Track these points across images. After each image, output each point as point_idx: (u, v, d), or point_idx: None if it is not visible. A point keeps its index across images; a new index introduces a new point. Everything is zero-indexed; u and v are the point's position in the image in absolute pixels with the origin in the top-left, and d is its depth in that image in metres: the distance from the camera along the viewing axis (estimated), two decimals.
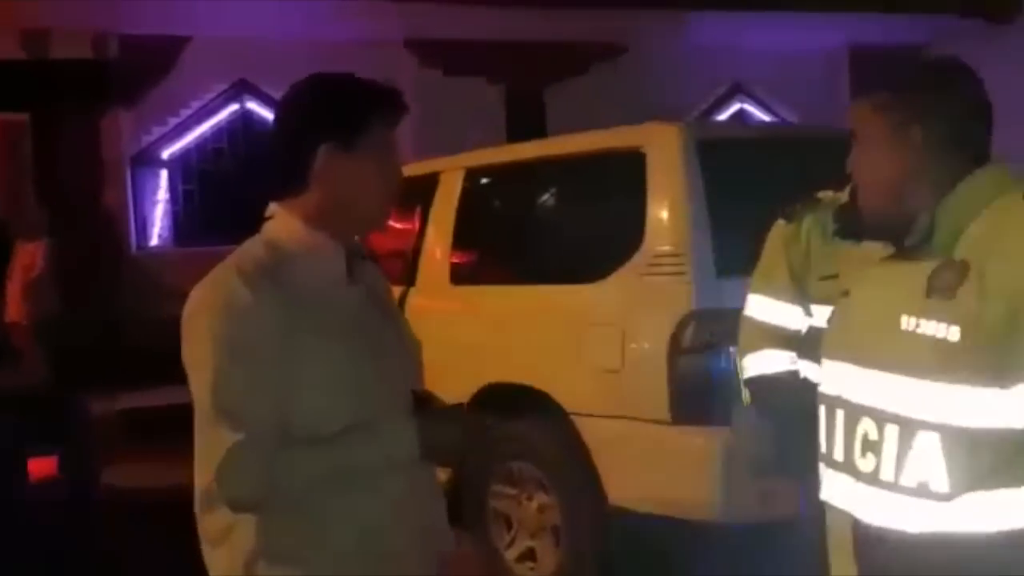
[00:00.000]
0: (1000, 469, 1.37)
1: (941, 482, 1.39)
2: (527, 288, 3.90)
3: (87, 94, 8.62)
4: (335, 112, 1.62)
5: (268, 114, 9.86)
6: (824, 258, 2.34)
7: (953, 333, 1.37)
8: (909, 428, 1.42)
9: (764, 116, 11.45)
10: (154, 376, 7.43)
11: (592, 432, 3.51)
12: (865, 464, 1.47)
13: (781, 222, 2.29)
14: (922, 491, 1.41)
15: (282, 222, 1.64)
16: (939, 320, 1.38)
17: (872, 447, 1.46)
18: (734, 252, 3.30)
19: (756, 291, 2.57)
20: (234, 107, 9.76)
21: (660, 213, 3.39)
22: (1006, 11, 9.82)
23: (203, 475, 1.56)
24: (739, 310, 3.24)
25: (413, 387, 1.67)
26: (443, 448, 1.61)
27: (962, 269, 1.39)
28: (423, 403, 1.65)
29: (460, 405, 1.67)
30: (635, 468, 3.42)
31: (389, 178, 1.66)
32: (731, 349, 3.20)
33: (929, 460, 1.40)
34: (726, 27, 9.80)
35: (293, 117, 1.65)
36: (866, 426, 1.47)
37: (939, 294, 1.40)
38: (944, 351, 1.37)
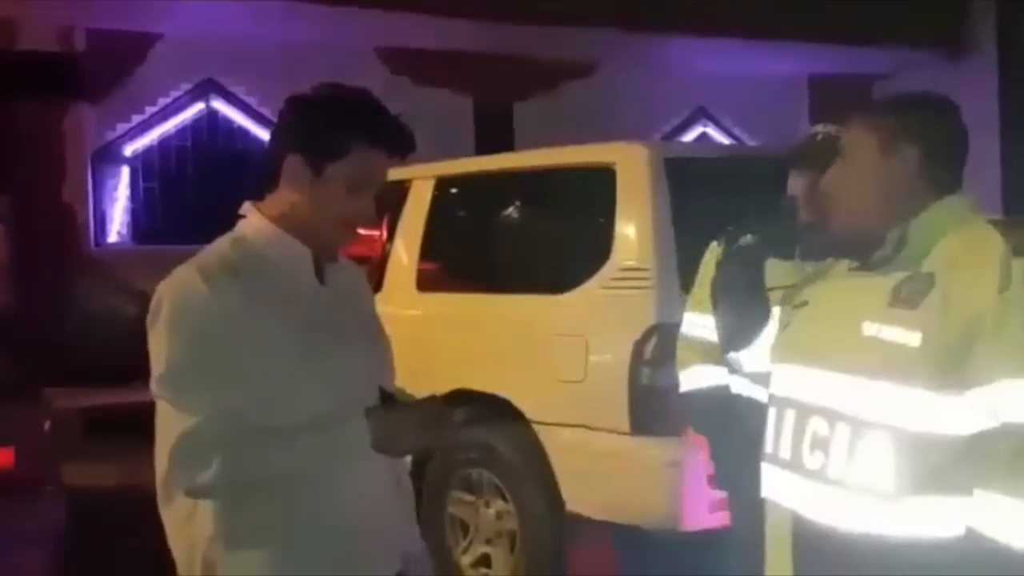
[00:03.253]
0: (942, 474, 1.45)
1: (887, 482, 1.46)
2: (493, 297, 3.96)
3: (51, 87, 8.52)
4: (312, 130, 1.59)
5: (234, 114, 9.83)
6: None
7: (914, 339, 1.45)
8: (861, 428, 1.49)
9: (725, 140, 11.68)
10: (111, 374, 7.39)
11: (553, 441, 3.57)
12: (812, 461, 1.54)
13: (714, 244, 2.41)
14: (867, 489, 1.48)
15: (252, 220, 1.66)
16: (901, 327, 1.47)
17: (821, 445, 1.53)
18: (697, 269, 3.40)
19: (689, 310, 2.73)
20: (200, 106, 9.71)
21: (627, 228, 3.48)
22: (962, 45, 10.14)
23: (161, 463, 1.58)
24: None
25: (382, 385, 1.67)
26: (395, 438, 1.60)
27: (927, 280, 1.49)
28: (390, 400, 1.66)
29: (432, 397, 1.67)
30: (594, 477, 3.49)
31: (352, 209, 1.61)
32: None
33: (878, 460, 1.47)
34: (690, 52, 9.99)
35: (284, 117, 1.65)
36: (816, 425, 1.54)
37: (903, 303, 1.49)
38: (903, 356, 1.46)
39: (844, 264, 1.66)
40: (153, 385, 1.56)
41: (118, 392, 7.05)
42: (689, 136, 11.52)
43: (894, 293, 1.51)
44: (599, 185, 3.59)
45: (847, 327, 1.54)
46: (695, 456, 3.24)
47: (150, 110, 9.43)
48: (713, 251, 2.33)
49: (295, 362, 1.56)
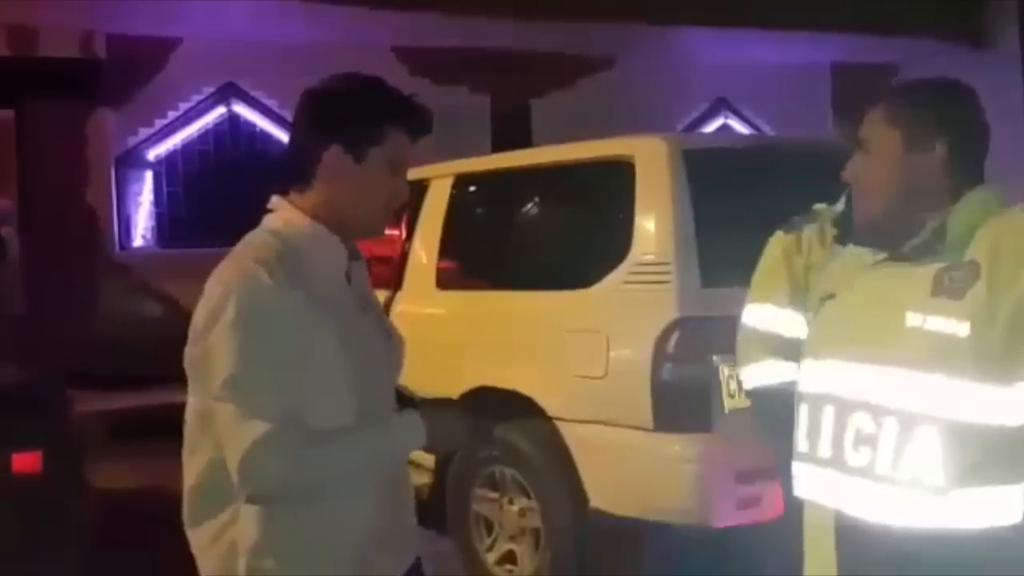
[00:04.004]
0: (991, 465, 1.43)
1: (936, 476, 1.44)
2: (513, 294, 3.94)
3: (74, 93, 8.59)
4: (352, 117, 1.61)
5: (255, 118, 9.87)
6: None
7: (963, 329, 1.43)
8: (909, 422, 1.47)
9: (746, 131, 11.58)
10: (136, 377, 7.45)
11: (575, 437, 3.55)
12: (857, 458, 1.51)
13: (780, 233, 2.31)
14: (916, 484, 1.46)
15: (287, 214, 1.62)
16: (948, 316, 1.45)
17: (867, 441, 1.50)
18: (719, 262, 3.37)
19: (755, 300, 2.55)
20: (221, 110, 9.75)
21: (647, 222, 3.45)
22: (985, 35, 9.99)
23: (192, 474, 1.56)
24: (723, 319, 3.29)
25: (395, 384, 1.70)
26: (445, 436, 1.64)
27: (973, 269, 1.47)
28: (403, 399, 1.68)
29: (449, 399, 1.73)
30: (617, 473, 3.46)
31: (392, 192, 1.65)
32: (714, 358, 3.27)
33: (926, 454, 1.45)
34: (710, 43, 9.91)
35: (313, 111, 1.64)
36: (860, 421, 1.51)
37: (948, 293, 1.47)
38: (952, 347, 1.44)
39: (866, 255, 1.63)
40: (218, 388, 1.48)
41: (143, 395, 7.12)
42: (710, 127, 11.42)
43: (936, 283, 1.49)
44: (618, 179, 3.56)
45: (888, 318, 1.52)
46: (719, 452, 3.21)
47: (172, 115, 9.49)
48: (778, 239, 2.23)
49: (339, 362, 1.55)
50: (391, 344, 1.74)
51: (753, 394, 2.43)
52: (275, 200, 1.66)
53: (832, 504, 1.57)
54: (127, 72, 8.89)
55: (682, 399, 3.28)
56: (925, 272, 1.51)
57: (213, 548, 1.58)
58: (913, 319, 1.48)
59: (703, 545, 3.36)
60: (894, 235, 1.57)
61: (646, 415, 3.30)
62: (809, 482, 1.62)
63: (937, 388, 1.44)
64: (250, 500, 1.53)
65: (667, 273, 3.36)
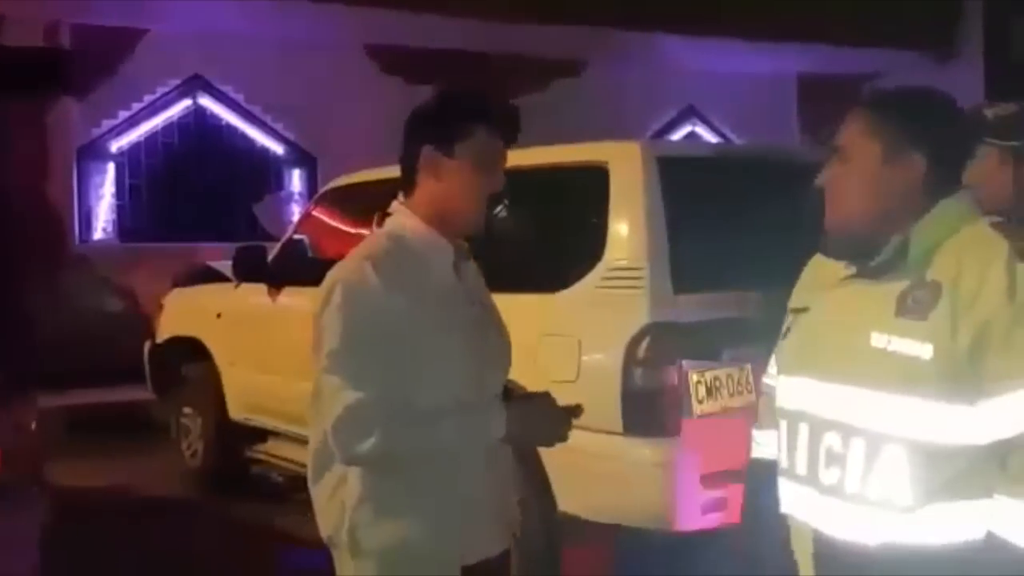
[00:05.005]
0: (959, 482, 1.43)
1: (905, 495, 1.44)
2: None
3: (36, 82, 8.44)
4: (438, 117, 1.81)
5: (222, 112, 9.77)
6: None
7: (926, 351, 1.42)
8: (876, 442, 1.46)
9: (714, 139, 11.69)
10: (96, 373, 7.32)
11: None
12: (828, 477, 1.51)
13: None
14: (886, 503, 1.45)
15: (402, 218, 1.82)
16: (912, 338, 1.43)
17: (837, 460, 1.49)
18: (690, 269, 3.40)
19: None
20: (187, 103, 9.64)
21: (620, 227, 3.46)
22: (951, 48, 10.18)
23: (316, 435, 1.75)
24: (693, 325, 3.32)
25: (502, 377, 1.86)
26: (529, 432, 1.78)
27: (934, 290, 1.45)
28: (509, 392, 1.85)
29: (547, 393, 1.81)
30: (586, 477, 3.47)
31: (484, 183, 1.80)
32: (683, 363, 3.30)
33: (894, 473, 1.44)
34: (681, 50, 10.00)
35: (410, 122, 1.84)
36: (831, 440, 1.50)
37: (911, 314, 1.45)
38: (915, 368, 1.43)
39: (838, 267, 1.60)
40: (324, 360, 1.70)
41: (103, 391, 7.00)
42: (679, 134, 11.52)
43: (900, 302, 1.47)
44: (592, 184, 3.57)
45: (854, 338, 1.50)
46: (688, 457, 3.23)
47: (137, 106, 9.36)
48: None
49: (445, 352, 1.73)
50: (499, 339, 1.90)
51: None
52: (394, 204, 1.85)
53: (809, 521, 1.56)
54: (92, 62, 8.75)
55: (652, 404, 3.30)
56: (890, 290, 1.49)
57: (329, 505, 1.78)
58: (878, 340, 1.46)
59: (672, 546, 3.38)
60: (866, 247, 1.54)
61: (616, 419, 3.32)
62: (789, 498, 1.61)
63: (902, 409, 1.44)
64: (346, 462, 1.71)
65: (640, 279, 3.38)
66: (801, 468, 1.56)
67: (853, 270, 1.57)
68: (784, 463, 1.61)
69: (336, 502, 1.77)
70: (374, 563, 1.74)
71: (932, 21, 10.08)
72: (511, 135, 1.85)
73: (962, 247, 1.48)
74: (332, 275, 1.77)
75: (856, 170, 1.54)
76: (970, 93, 9.31)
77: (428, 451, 1.72)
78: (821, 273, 1.67)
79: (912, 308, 1.45)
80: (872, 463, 1.46)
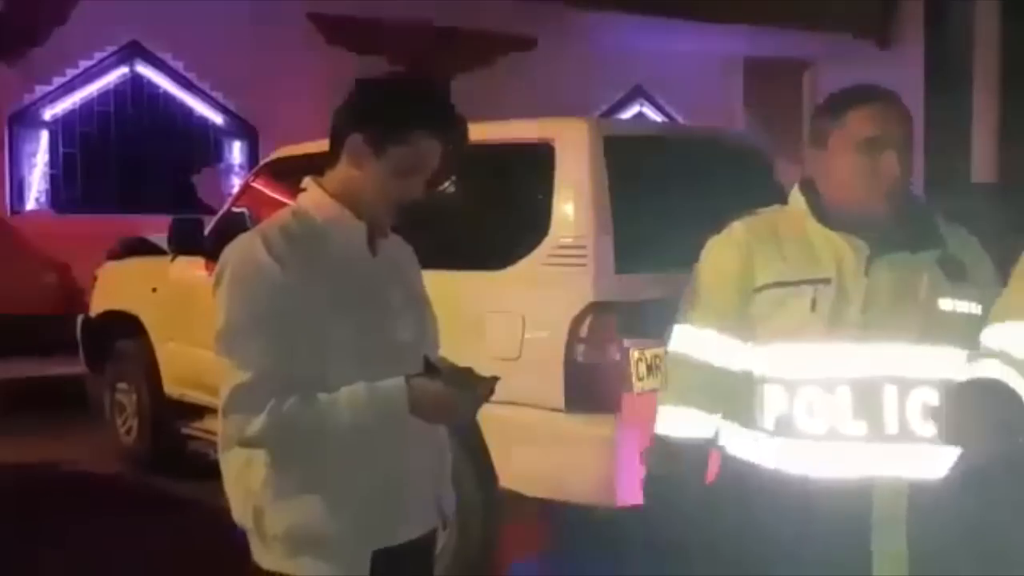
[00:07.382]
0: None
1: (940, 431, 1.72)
2: (430, 273, 3.85)
3: None
4: (378, 112, 1.71)
5: (160, 80, 9.51)
6: (767, 266, 1.84)
7: (976, 308, 1.78)
8: (940, 388, 1.72)
9: (660, 119, 11.76)
10: (28, 346, 7.12)
11: (487, 417, 3.50)
12: (926, 430, 1.73)
13: (719, 238, 1.93)
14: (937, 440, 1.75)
15: (313, 194, 1.75)
16: (968, 300, 1.78)
17: (932, 413, 1.72)
18: (633, 248, 3.42)
19: (694, 322, 1.92)
20: (124, 70, 9.37)
21: (566, 205, 3.46)
22: (891, 36, 10.36)
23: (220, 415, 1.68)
24: (635, 304, 3.34)
25: (427, 355, 1.75)
26: (430, 410, 1.67)
27: (958, 260, 1.80)
28: (433, 370, 1.72)
29: (468, 369, 1.75)
30: (528, 453, 3.48)
31: (404, 189, 1.71)
32: (625, 342, 3.32)
33: (936, 413, 1.73)
34: (629, 30, 10.00)
35: (352, 97, 1.74)
36: (925, 395, 1.74)
37: (957, 279, 1.78)
38: (974, 324, 1.76)
39: (856, 242, 1.75)
40: (214, 341, 1.66)
41: (35, 364, 6.81)
42: (627, 114, 11.57)
43: (946, 270, 1.77)
44: (538, 161, 3.56)
45: (915, 302, 1.75)
46: (629, 433, 3.26)
47: (71, 73, 9.07)
48: (721, 246, 1.93)
49: (347, 330, 1.66)
50: (419, 315, 1.82)
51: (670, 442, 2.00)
52: (306, 180, 1.77)
53: (909, 475, 1.75)
54: (25, 26, 8.44)
55: (593, 380, 3.32)
56: (925, 261, 1.77)
57: (235, 488, 1.75)
58: (944, 304, 1.75)
59: (613, 521, 3.41)
60: (888, 224, 1.76)
61: (558, 396, 3.33)
62: (875, 461, 1.75)
63: (958, 359, 1.73)
64: (240, 444, 1.67)
65: (583, 256, 3.38)
66: (892, 427, 1.73)
67: (874, 245, 1.74)
68: (857, 430, 1.74)
69: (241, 486, 1.73)
70: (279, 546, 1.69)
71: (875, 8, 10.24)
72: (456, 142, 1.74)
73: (953, 231, 1.87)
74: (224, 253, 1.70)
75: (908, 156, 1.78)
76: (910, 78, 9.52)
77: (325, 431, 1.63)
78: (835, 248, 1.77)
79: (956, 274, 1.77)
80: (933, 406, 1.73)
